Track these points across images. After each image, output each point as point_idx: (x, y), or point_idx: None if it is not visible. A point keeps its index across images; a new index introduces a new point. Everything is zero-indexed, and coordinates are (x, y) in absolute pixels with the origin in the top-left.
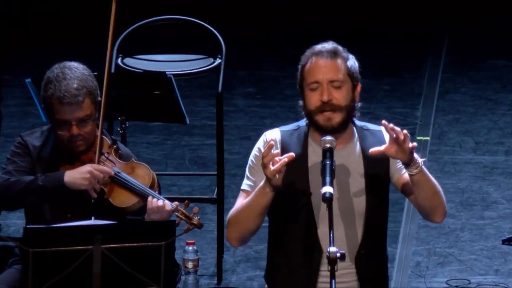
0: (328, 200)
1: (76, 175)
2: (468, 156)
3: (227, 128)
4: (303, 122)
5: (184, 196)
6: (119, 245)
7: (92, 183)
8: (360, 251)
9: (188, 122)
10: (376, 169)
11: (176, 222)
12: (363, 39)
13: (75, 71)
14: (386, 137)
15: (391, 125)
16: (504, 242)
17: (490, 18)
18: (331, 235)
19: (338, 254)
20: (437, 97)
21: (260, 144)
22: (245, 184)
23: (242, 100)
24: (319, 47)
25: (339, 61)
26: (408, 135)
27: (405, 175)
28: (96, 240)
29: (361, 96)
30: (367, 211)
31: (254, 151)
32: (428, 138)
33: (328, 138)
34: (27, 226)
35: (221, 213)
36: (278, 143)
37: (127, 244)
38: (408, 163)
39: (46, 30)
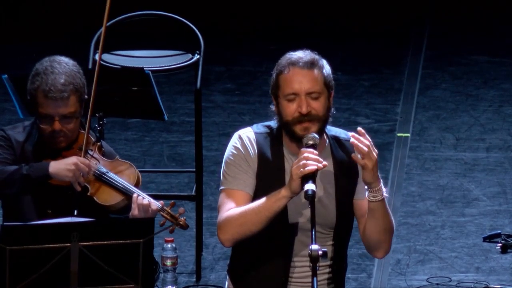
0: (310, 197)
1: (61, 166)
2: (449, 153)
3: (206, 125)
4: (274, 124)
5: (163, 193)
6: (97, 242)
7: (76, 175)
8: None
9: (166, 118)
10: (347, 182)
11: (161, 222)
12: (342, 35)
13: (64, 66)
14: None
15: (355, 141)
16: (485, 239)
17: (471, 13)
18: (313, 232)
19: (320, 252)
20: (417, 93)
21: (238, 144)
22: (229, 183)
23: (220, 96)
24: (295, 56)
25: (316, 71)
26: (369, 151)
27: (365, 201)
28: (73, 237)
29: (340, 92)
30: (337, 223)
31: (232, 150)
32: (408, 134)
33: (311, 135)
34: (4, 223)
35: (199, 210)
36: (254, 143)
37: (105, 242)
38: (371, 183)
39: (23, 26)
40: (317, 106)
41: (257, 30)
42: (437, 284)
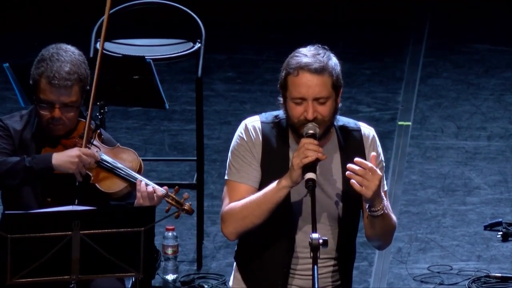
0: (311, 186)
1: (64, 158)
2: (450, 141)
3: (207, 113)
4: (282, 115)
5: (164, 182)
6: (98, 231)
7: (79, 167)
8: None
9: (167, 107)
10: None
11: (167, 208)
12: (343, 23)
13: (70, 55)
14: (366, 136)
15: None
16: (486, 228)
17: (472, 2)
18: (314, 221)
19: (321, 241)
20: (418, 81)
21: (243, 134)
22: (233, 175)
23: (221, 85)
24: (305, 60)
25: (326, 76)
26: (373, 173)
27: None
28: (75, 226)
29: (342, 82)
30: (343, 216)
31: (237, 140)
32: (409, 123)
33: (311, 124)
34: (5, 211)
35: (201, 199)
36: (259, 133)
37: (106, 230)
38: (370, 202)
39: (24, 14)
40: (324, 111)
41: (258, 18)
42: (438, 272)
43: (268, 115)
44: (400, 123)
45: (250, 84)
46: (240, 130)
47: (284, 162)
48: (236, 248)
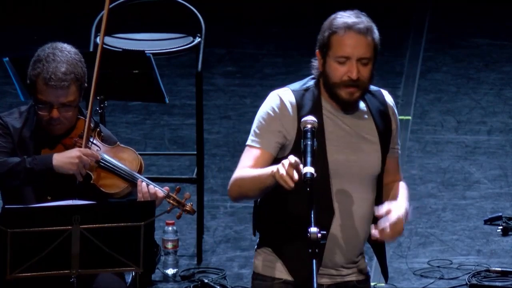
0: (309, 180)
1: (64, 159)
2: (450, 136)
3: (207, 108)
4: (310, 82)
5: (164, 176)
6: (98, 225)
7: (79, 167)
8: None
9: (167, 101)
10: (385, 129)
11: (168, 208)
12: None
13: (66, 55)
14: (386, 96)
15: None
16: (486, 222)
17: None
18: (312, 215)
19: (319, 235)
20: (418, 76)
21: (274, 103)
22: (254, 141)
23: (221, 79)
24: (351, 20)
25: (370, 38)
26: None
27: (390, 159)
28: (74, 220)
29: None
30: (380, 172)
31: (267, 110)
32: (409, 117)
33: (309, 119)
34: (6, 206)
35: (201, 193)
36: (294, 105)
37: (106, 225)
38: None
39: (24, 8)
40: (365, 73)
41: (258, 12)
42: (438, 266)
43: (296, 84)
44: (400, 117)
45: (250, 78)
46: (272, 101)
47: (320, 131)
48: (256, 219)
